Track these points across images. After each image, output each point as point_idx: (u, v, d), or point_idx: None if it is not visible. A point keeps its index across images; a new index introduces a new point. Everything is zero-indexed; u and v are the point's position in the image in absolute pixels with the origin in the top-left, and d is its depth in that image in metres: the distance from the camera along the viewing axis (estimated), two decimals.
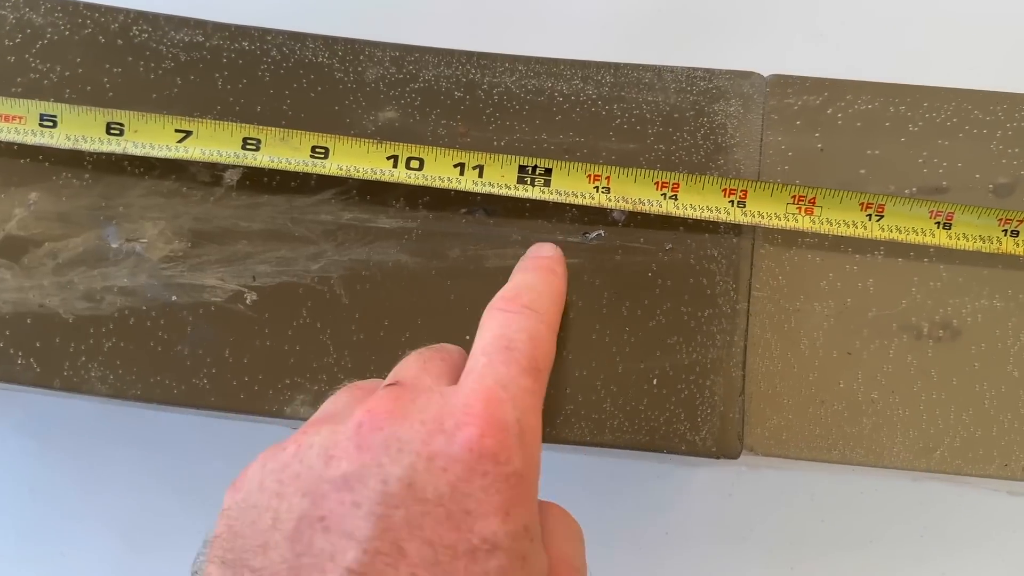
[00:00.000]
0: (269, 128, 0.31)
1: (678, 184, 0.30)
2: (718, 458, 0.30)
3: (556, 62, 0.33)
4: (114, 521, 0.41)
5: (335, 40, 0.33)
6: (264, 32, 0.33)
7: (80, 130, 0.30)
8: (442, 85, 0.33)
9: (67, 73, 0.33)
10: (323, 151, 0.31)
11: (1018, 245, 0.31)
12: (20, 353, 0.31)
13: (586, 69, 0.33)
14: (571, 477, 0.41)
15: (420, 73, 0.33)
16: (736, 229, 0.32)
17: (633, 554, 0.41)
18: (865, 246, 0.32)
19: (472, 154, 0.31)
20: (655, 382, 0.31)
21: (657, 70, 0.33)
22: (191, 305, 0.31)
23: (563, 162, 0.31)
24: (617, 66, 0.33)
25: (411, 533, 0.21)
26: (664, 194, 0.31)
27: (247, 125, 0.30)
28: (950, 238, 0.31)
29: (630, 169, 0.31)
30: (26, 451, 0.42)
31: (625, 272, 0.32)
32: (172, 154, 0.30)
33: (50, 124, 0.30)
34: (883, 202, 0.31)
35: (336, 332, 0.32)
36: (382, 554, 0.21)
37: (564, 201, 0.31)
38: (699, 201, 0.30)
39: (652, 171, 0.30)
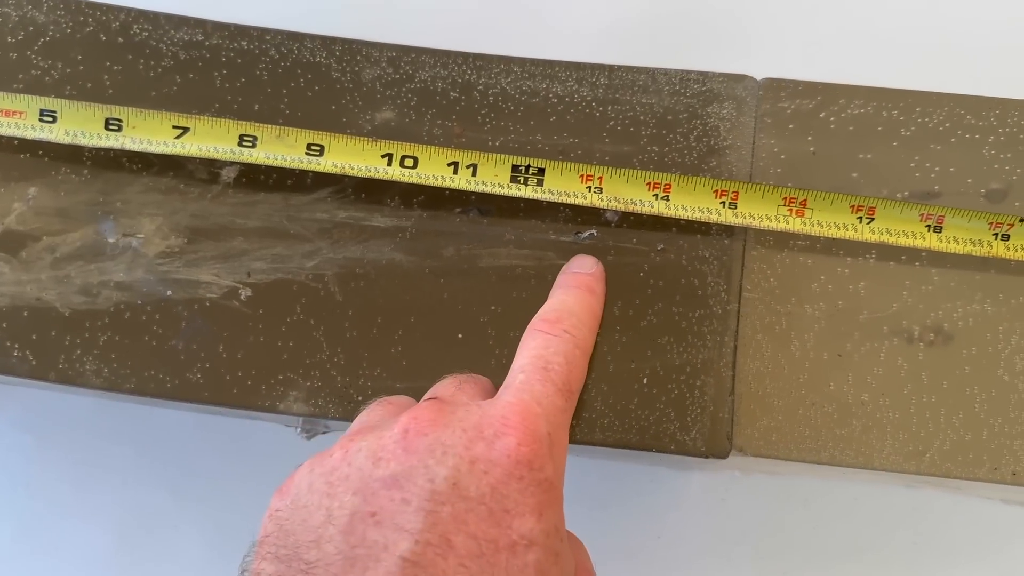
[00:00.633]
0: (265, 125, 0.31)
1: (670, 185, 0.31)
2: (707, 458, 0.30)
3: (551, 64, 0.34)
4: (108, 516, 0.42)
5: (333, 40, 0.34)
6: (263, 32, 0.34)
7: (79, 125, 0.31)
8: (438, 86, 0.34)
9: (68, 70, 0.33)
10: (318, 149, 0.31)
11: (1008, 249, 0.31)
12: (16, 346, 0.31)
13: (581, 71, 0.34)
14: (566, 479, 0.41)
15: (416, 74, 0.34)
16: (728, 230, 0.32)
17: (627, 558, 0.41)
18: (857, 249, 0.32)
19: (466, 153, 0.31)
20: (646, 382, 0.31)
21: (651, 72, 0.33)
22: (186, 300, 0.32)
23: (556, 162, 0.31)
24: (612, 68, 0.33)
25: (457, 527, 0.23)
26: (656, 195, 0.31)
27: (243, 122, 0.31)
28: (940, 241, 0.31)
29: (622, 170, 0.31)
30: (22, 447, 0.42)
31: (617, 272, 0.32)
32: (169, 150, 0.31)
33: (50, 119, 0.31)
34: (874, 204, 0.31)
35: (329, 329, 0.32)
36: (432, 545, 0.23)
37: (557, 201, 0.31)
38: (691, 202, 0.31)
39: (644, 172, 0.31)
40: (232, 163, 0.32)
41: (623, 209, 0.31)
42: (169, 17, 0.33)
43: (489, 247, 0.33)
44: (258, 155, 0.30)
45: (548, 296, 0.31)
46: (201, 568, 0.41)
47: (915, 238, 0.31)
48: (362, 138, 0.31)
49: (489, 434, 0.25)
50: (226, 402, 0.31)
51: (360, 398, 0.31)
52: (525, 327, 0.30)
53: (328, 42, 0.34)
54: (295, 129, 0.31)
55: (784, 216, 0.31)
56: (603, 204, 0.31)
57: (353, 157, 0.31)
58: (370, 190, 0.33)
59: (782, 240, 0.32)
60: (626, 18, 0.42)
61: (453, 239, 0.33)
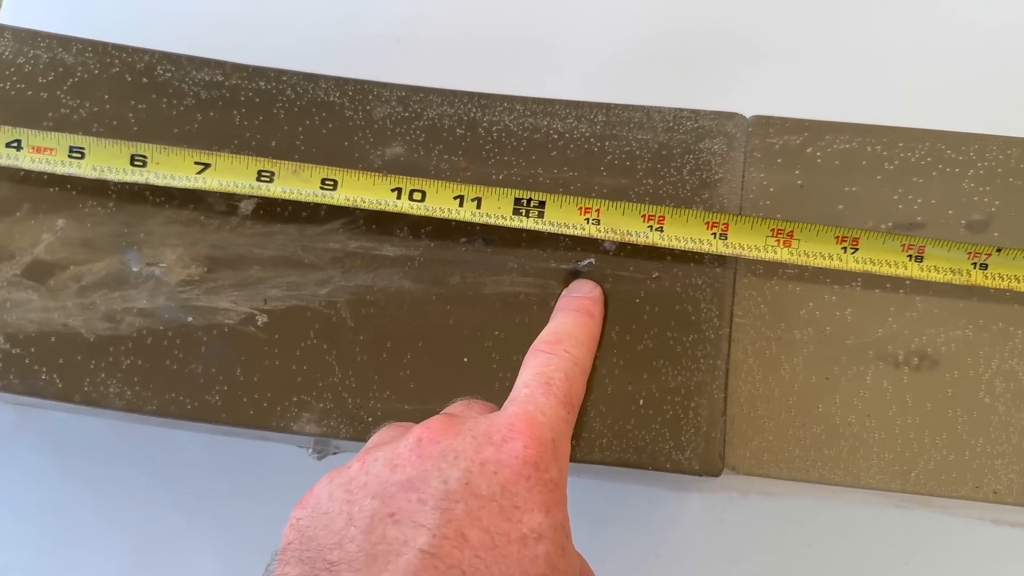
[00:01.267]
0: (282, 161, 0.33)
1: (663, 217, 0.32)
2: (701, 475, 0.32)
3: (552, 102, 0.36)
4: (125, 536, 0.43)
5: (346, 81, 0.36)
6: (280, 73, 0.36)
7: (106, 161, 0.33)
8: (445, 123, 0.35)
9: (95, 109, 0.35)
10: (332, 183, 0.33)
11: (987, 277, 0.32)
12: (44, 369, 0.33)
13: (580, 109, 0.35)
14: (568, 500, 0.42)
15: (425, 112, 0.36)
16: (719, 260, 0.34)
17: (623, 570, 0.42)
18: (843, 277, 0.34)
19: (471, 187, 0.33)
20: (642, 403, 0.33)
21: (647, 110, 0.35)
22: (205, 326, 0.33)
23: (556, 195, 0.33)
24: (609, 106, 0.35)
25: (471, 523, 0.25)
26: (651, 226, 0.32)
27: (262, 158, 0.33)
28: (922, 270, 0.32)
29: (618, 203, 0.33)
30: (43, 469, 0.44)
31: (615, 299, 0.34)
32: (192, 185, 0.32)
33: (78, 156, 0.33)
34: (857, 235, 0.32)
35: (341, 353, 0.34)
36: (448, 538, 0.24)
37: (557, 232, 0.33)
38: (683, 233, 0.32)
39: (639, 204, 0.32)
40: (250, 196, 0.34)
41: (620, 240, 0.33)
42: (191, 59, 0.36)
43: (493, 275, 0.34)
44: (275, 189, 0.32)
45: (549, 320, 0.33)
46: None
47: (897, 267, 0.32)
48: (373, 173, 0.33)
49: (497, 439, 0.27)
50: (243, 423, 0.33)
51: (370, 419, 0.33)
52: (524, 353, 0.31)
53: (341, 82, 0.36)
54: (310, 165, 0.33)
55: (772, 246, 0.32)
56: (601, 235, 0.32)
57: (365, 191, 0.33)
58: (380, 221, 0.35)
59: (771, 269, 0.34)
60: (623, 58, 0.44)
61: (459, 267, 0.34)
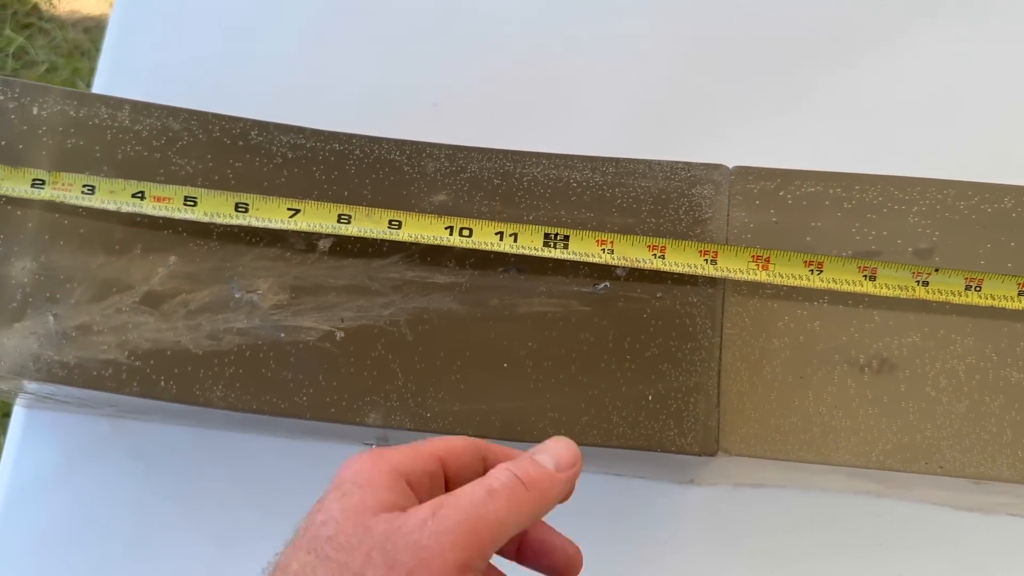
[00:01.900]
0: (357, 207, 0.41)
1: (665, 247, 0.40)
2: (700, 456, 0.39)
3: (571, 157, 0.44)
4: (207, 530, 0.50)
5: (403, 142, 0.44)
6: (349, 136, 0.44)
7: (215, 208, 0.40)
8: (484, 174, 0.43)
9: (200, 167, 0.43)
10: (397, 223, 0.41)
11: (928, 292, 0.40)
12: (163, 378, 0.40)
13: (594, 162, 0.43)
14: (586, 493, 0.49)
15: (468, 166, 0.44)
16: (711, 281, 0.41)
17: (638, 558, 0.49)
18: (812, 295, 0.42)
19: (509, 224, 0.41)
20: (651, 398, 0.40)
21: (648, 163, 0.43)
22: (293, 342, 0.41)
23: (578, 231, 0.40)
24: (618, 160, 0.43)
25: None
26: (655, 254, 0.40)
27: (341, 204, 0.41)
28: (875, 287, 0.40)
29: (629, 235, 0.40)
30: (134, 472, 0.51)
31: (626, 315, 0.41)
32: (285, 226, 0.40)
33: (192, 203, 0.41)
34: (822, 260, 0.40)
35: (403, 362, 0.41)
36: None
37: (579, 260, 0.40)
38: (681, 259, 0.40)
39: (646, 237, 0.40)
40: (327, 235, 0.42)
41: (630, 266, 0.40)
42: (278, 125, 0.44)
43: (525, 297, 0.42)
44: (353, 229, 0.40)
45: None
46: None
47: (855, 285, 0.40)
48: (430, 215, 0.41)
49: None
50: (325, 419, 0.40)
51: (428, 415, 0.40)
52: (555, 359, 0.39)
53: (399, 143, 0.44)
54: (380, 208, 0.41)
55: (753, 270, 0.40)
56: (614, 262, 0.40)
57: (424, 229, 0.40)
58: (432, 255, 0.42)
59: (753, 289, 0.42)
60: (628, 119, 0.53)
61: (497, 292, 0.42)
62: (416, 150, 0.44)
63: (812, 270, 0.40)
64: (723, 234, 0.42)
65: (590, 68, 0.57)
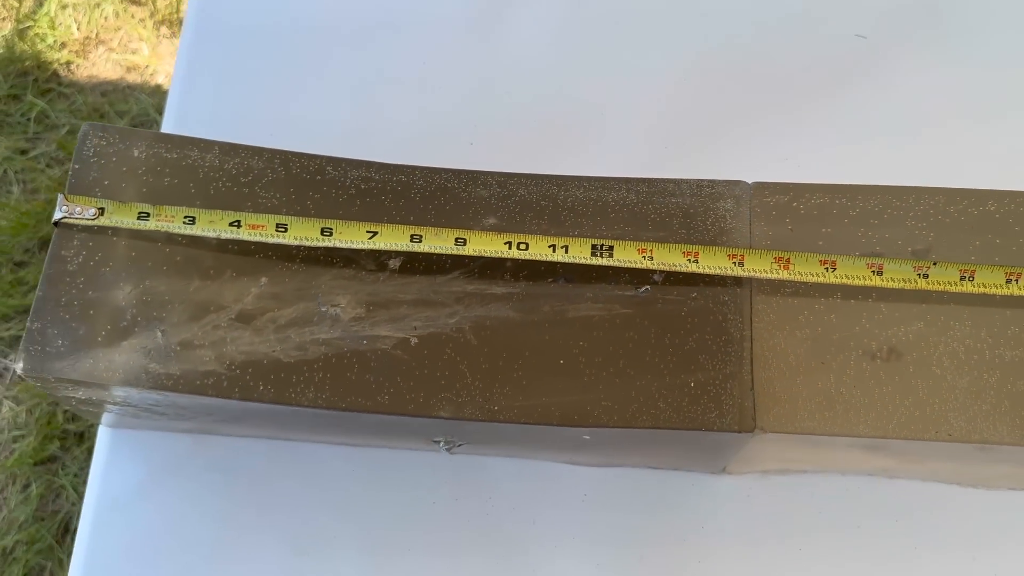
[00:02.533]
0: (426, 227, 0.46)
1: (698, 252, 0.46)
2: (739, 432, 0.44)
3: (608, 179, 0.50)
4: (283, 536, 0.54)
5: (460, 171, 0.50)
6: (413, 168, 0.50)
7: (303, 232, 0.46)
8: (532, 197, 0.49)
9: (283, 199, 0.49)
10: (463, 240, 0.46)
11: (929, 283, 0.46)
12: (260, 383, 0.45)
13: (629, 183, 0.49)
14: (626, 487, 0.54)
15: (517, 191, 0.49)
16: (739, 281, 0.47)
17: (677, 542, 0.54)
18: (828, 291, 0.47)
19: (559, 238, 0.46)
20: (692, 386, 0.45)
21: (677, 182, 0.49)
22: (373, 349, 0.46)
23: (621, 241, 0.46)
24: (650, 180, 0.49)
25: None
26: (689, 259, 0.46)
27: (412, 227, 0.46)
28: (882, 280, 0.46)
29: (666, 244, 0.46)
30: (215, 483, 0.56)
31: (665, 314, 0.47)
32: (365, 246, 0.46)
33: (283, 230, 0.46)
34: (835, 259, 0.46)
35: (470, 364, 0.46)
36: None
37: (622, 266, 0.46)
38: (712, 263, 0.46)
39: (681, 244, 0.46)
40: (398, 254, 0.47)
41: (667, 270, 0.46)
42: (349, 161, 0.49)
43: (573, 303, 0.47)
44: (424, 247, 0.46)
45: None
46: (356, 572, 0.54)
47: (865, 279, 0.46)
48: (491, 232, 0.46)
49: None
50: (405, 413, 0.45)
51: (496, 408, 0.45)
52: (604, 355, 0.44)
53: (457, 173, 0.50)
54: (447, 228, 0.46)
55: (776, 269, 0.46)
56: (653, 267, 0.46)
57: (486, 244, 0.46)
58: (489, 268, 0.48)
59: (776, 287, 0.47)
60: (657, 142, 0.59)
61: (548, 299, 0.47)
62: (471, 178, 0.50)
63: (827, 268, 0.46)
64: (746, 243, 0.48)
65: (612, 99, 0.64)
